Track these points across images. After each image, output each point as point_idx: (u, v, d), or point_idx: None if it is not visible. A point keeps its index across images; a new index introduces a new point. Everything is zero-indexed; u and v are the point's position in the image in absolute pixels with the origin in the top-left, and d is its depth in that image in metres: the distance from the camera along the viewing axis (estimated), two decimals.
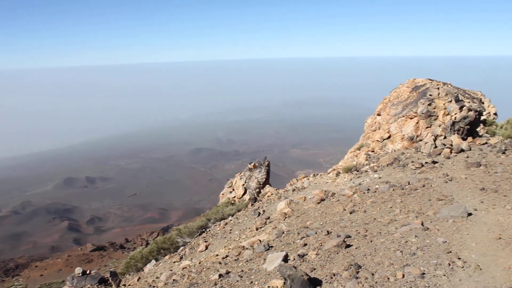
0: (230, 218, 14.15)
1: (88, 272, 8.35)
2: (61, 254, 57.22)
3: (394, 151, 14.44)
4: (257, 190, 16.44)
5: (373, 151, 15.43)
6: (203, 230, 14.14)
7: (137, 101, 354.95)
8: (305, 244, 7.73)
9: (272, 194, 15.02)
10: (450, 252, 6.33)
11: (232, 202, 16.49)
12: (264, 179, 16.73)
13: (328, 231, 8.19)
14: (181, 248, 13.43)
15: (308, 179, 15.34)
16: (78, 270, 8.26)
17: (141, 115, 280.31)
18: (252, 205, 14.98)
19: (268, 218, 11.67)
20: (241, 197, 16.65)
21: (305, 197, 12.14)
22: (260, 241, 9.02)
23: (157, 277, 9.90)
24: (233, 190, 17.40)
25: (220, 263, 8.03)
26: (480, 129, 15.53)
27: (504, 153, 12.90)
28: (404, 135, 14.92)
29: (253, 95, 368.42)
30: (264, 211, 13.28)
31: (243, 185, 16.90)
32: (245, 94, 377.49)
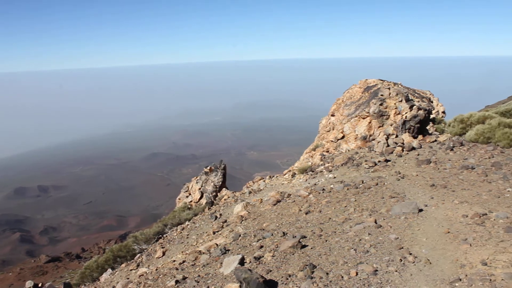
0: (187, 222, 14.02)
1: (40, 285, 8.08)
2: (12, 267, 54.85)
3: (348, 150, 14.68)
4: (214, 193, 16.38)
5: (327, 152, 15.64)
6: (160, 236, 13.96)
7: (89, 107, 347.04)
8: (261, 246, 7.75)
9: (228, 197, 15.01)
10: (402, 248, 6.49)
11: (189, 206, 16.34)
12: (221, 182, 16.68)
13: (284, 232, 8.23)
14: (138, 255, 13.21)
15: (264, 181, 15.39)
16: (29, 284, 7.99)
17: (95, 121, 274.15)
18: (209, 209, 14.91)
19: (225, 221, 11.64)
20: (198, 201, 16.53)
21: (261, 199, 12.18)
22: (217, 245, 8.99)
23: (113, 286, 9.71)
24: (190, 194, 17.24)
25: (177, 269, 7.94)
26: (430, 127, 16.00)
27: (452, 150, 13.34)
28: (357, 135, 15.20)
29: (207, 98, 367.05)
30: (221, 214, 13.24)
31: (200, 189, 16.78)
32: (199, 97, 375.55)
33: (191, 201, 16.78)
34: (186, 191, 17.64)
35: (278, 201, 11.17)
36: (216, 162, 18.04)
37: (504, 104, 28.25)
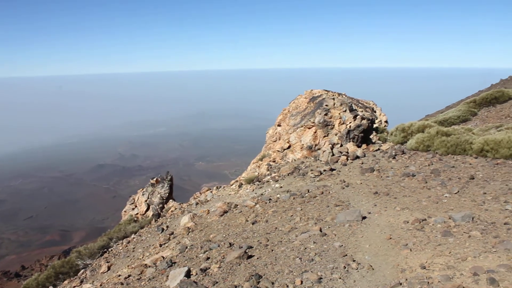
0: (133, 236, 13.74)
1: None
2: None
3: (294, 160, 14.86)
4: (161, 205, 16.16)
5: (274, 161, 15.77)
6: (105, 250, 13.60)
7: (31, 117, 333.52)
8: (208, 258, 7.69)
9: (175, 209, 14.85)
10: (346, 255, 6.62)
11: (135, 219, 16.04)
12: (168, 194, 16.49)
13: (230, 243, 8.21)
14: (82, 271, 12.80)
15: (211, 192, 15.33)
16: None
17: (37, 132, 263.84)
18: (155, 221, 14.68)
19: (172, 233, 11.49)
20: (144, 214, 16.25)
21: (208, 210, 12.11)
22: (163, 257, 8.86)
23: None
24: (136, 206, 16.93)
25: (122, 283, 7.76)
26: (373, 136, 16.44)
27: (394, 158, 13.77)
28: (303, 144, 15.42)
29: (154, 108, 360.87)
30: (167, 226, 13.06)
31: (146, 201, 16.51)
32: (145, 107, 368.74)
33: (137, 214, 16.48)
34: (132, 204, 17.31)
35: (225, 212, 11.14)
36: (162, 174, 17.82)
37: (442, 114, 29.47)
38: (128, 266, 10.41)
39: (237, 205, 11.52)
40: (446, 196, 9.34)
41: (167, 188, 16.62)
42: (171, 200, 16.49)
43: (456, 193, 9.52)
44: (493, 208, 8.13)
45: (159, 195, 16.41)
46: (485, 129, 19.04)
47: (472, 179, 10.58)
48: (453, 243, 6.53)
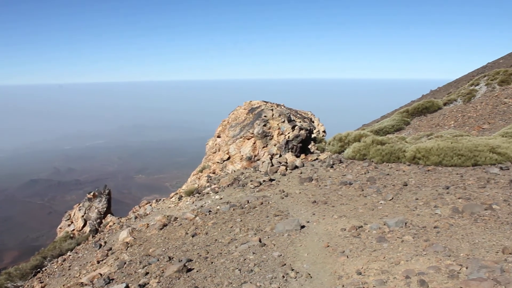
0: (69, 253, 13.23)
1: None
2: None
3: (234, 171, 14.88)
4: (98, 220, 15.70)
5: (214, 173, 15.72)
6: (38, 270, 13.00)
7: None
8: (147, 273, 7.53)
9: (114, 223, 14.46)
10: (285, 264, 6.67)
11: (71, 235, 15.47)
12: (105, 209, 16.04)
13: (170, 257, 8.09)
14: None
15: (151, 205, 15.06)
16: None
17: None
18: (93, 237, 14.22)
19: (110, 249, 11.17)
20: (81, 230, 15.71)
21: (147, 224, 11.88)
22: (100, 274, 8.59)
23: None
24: (72, 222, 16.34)
25: None
26: (311, 146, 16.73)
27: (332, 167, 14.07)
28: (242, 155, 15.47)
29: (89, 120, 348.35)
30: (105, 242, 12.69)
31: (83, 216, 15.99)
32: (81, 119, 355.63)
33: (73, 230, 15.91)
34: (68, 220, 16.71)
35: (165, 225, 10.97)
36: (100, 187, 17.34)
37: (378, 123, 30.47)
38: (63, 285, 10.03)
39: (177, 218, 11.38)
40: (381, 203, 9.64)
41: (105, 202, 16.18)
42: (109, 215, 16.04)
43: (390, 199, 9.84)
44: (424, 213, 8.46)
45: (96, 210, 15.94)
46: (417, 137, 19.83)
47: (406, 186, 10.98)
48: (387, 248, 6.73)
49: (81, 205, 16.74)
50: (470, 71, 45.97)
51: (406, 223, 7.80)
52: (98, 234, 14.53)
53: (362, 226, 8.04)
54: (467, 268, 5.34)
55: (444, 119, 26.44)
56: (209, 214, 10.84)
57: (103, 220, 15.78)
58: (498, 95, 27.12)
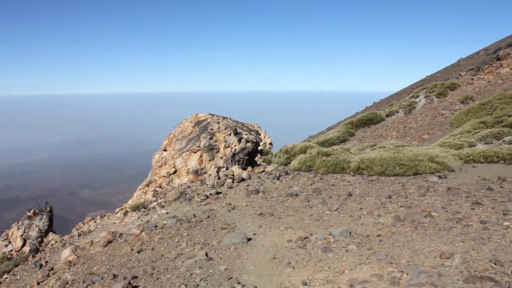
0: (5, 276, 12.61)
1: None
2: None
3: (181, 185, 14.73)
4: (39, 239, 15.07)
5: (160, 187, 15.50)
6: None
7: None
8: None
9: (56, 242, 13.93)
10: (231, 278, 6.64)
11: (9, 256, 14.75)
12: (47, 227, 15.42)
13: (114, 275, 7.88)
14: None
15: (95, 221, 14.64)
16: None
17: None
18: (33, 257, 13.63)
19: (52, 269, 10.74)
20: (19, 250, 15.02)
21: (92, 241, 11.53)
22: None
23: None
24: (10, 242, 15.61)
25: None
26: (258, 159, 16.82)
27: (278, 179, 14.19)
28: (189, 169, 15.35)
29: (30, 133, 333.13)
30: (47, 262, 12.20)
31: (22, 235, 15.30)
32: (23, 133, 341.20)
33: (11, 250, 15.18)
34: (6, 239, 15.93)
35: (110, 242, 10.69)
36: (41, 204, 16.69)
37: (324, 135, 31.05)
38: None
39: (122, 234, 11.11)
40: (326, 214, 9.79)
41: (46, 220, 15.56)
42: (51, 233, 15.43)
43: (335, 210, 10.01)
44: (368, 222, 8.65)
45: (37, 228, 15.31)
46: (361, 148, 20.34)
47: (350, 196, 11.21)
48: (332, 258, 6.83)
49: (20, 223, 16.02)
50: (411, 83, 47.74)
51: (350, 233, 7.95)
52: (38, 253, 13.94)
53: (308, 237, 8.12)
54: (407, 274, 5.49)
55: (387, 130, 27.26)
56: (155, 229, 10.66)
57: (44, 239, 15.17)
58: (436, 106, 28.26)
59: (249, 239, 8.46)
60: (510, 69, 30.18)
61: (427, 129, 24.72)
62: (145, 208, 13.42)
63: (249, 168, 15.76)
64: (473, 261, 5.77)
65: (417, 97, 31.72)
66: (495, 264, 5.51)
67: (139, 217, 12.79)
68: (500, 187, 10.56)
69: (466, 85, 30.86)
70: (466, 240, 6.77)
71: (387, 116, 30.27)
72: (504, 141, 17.45)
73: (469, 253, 6.13)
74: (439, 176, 12.55)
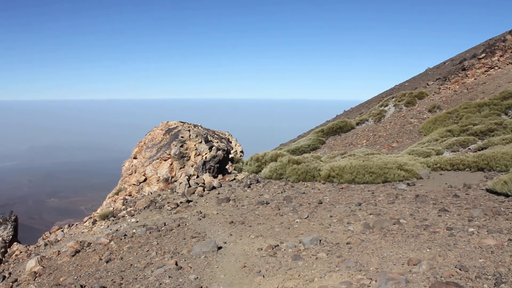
0: None
1: None
2: None
3: (151, 193, 14.59)
4: (3, 250, 14.67)
5: (130, 195, 15.31)
6: None
7: None
8: None
9: (21, 252, 13.57)
10: (201, 287, 6.59)
11: None
12: (11, 237, 15.02)
13: (82, 285, 7.73)
14: None
15: (62, 230, 14.34)
16: None
17: None
18: None
19: (16, 281, 10.45)
20: None
21: (59, 251, 11.29)
22: None
23: None
24: None
25: None
26: (229, 167, 16.80)
27: (249, 187, 14.20)
28: (159, 177, 15.22)
29: None
30: (10, 273, 11.85)
31: None
32: None
33: None
34: None
35: (77, 252, 10.49)
36: (6, 214, 16.27)
37: (295, 143, 31.22)
38: None
39: (90, 244, 10.92)
40: (297, 221, 9.83)
41: (11, 229, 15.17)
42: (15, 243, 15.03)
43: (306, 218, 10.06)
44: (338, 230, 8.73)
45: (0, 239, 14.91)
46: (332, 156, 20.54)
47: (321, 204, 11.30)
48: (302, 266, 6.86)
49: None
50: (380, 92, 48.53)
51: (320, 241, 8.00)
52: (1, 265, 13.55)
53: (278, 245, 8.14)
54: (376, 281, 5.54)
55: (357, 138, 27.61)
56: (125, 238, 10.51)
57: (8, 250, 14.77)
58: (405, 115, 28.77)
59: (220, 248, 8.42)
60: (475, 79, 31.02)
61: (396, 137, 25.15)
62: (115, 217, 13.24)
63: (220, 176, 15.73)
64: (439, 267, 5.87)
65: (387, 105, 32.27)
66: (460, 269, 5.62)
67: (108, 226, 12.59)
68: (466, 194, 10.81)
69: (433, 94, 31.57)
70: (433, 246, 6.89)
71: (357, 124, 30.68)
72: (469, 149, 17.88)
73: (436, 259, 6.24)
74: (408, 184, 12.77)
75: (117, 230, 11.76)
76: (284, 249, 7.83)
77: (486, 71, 31.63)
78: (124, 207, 14.01)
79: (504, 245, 6.47)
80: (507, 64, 31.20)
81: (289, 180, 14.83)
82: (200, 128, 17.87)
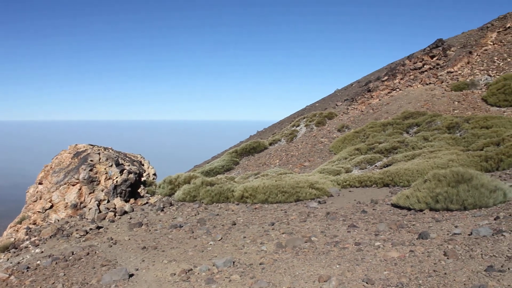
0: None
1: None
2: None
3: (58, 220, 13.86)
4: None
5: (35, 224, 14.44)
6: None
7: None
8: None
9: None
10: None
11: None
12: None
13: None
14: None
15: None
16: None
17: None
18: None
19: None
20: None
21: None
22: None
23: None
24: None
25: None
26: (141, 190, 16.40)
27: (162, 210, 13.94)
28: (67, 203, 14.52)
29: None
30: None
31: None
32: None
33: None
34: None
35: None
36: None
37: (209, 164, 31.17)
38: None
39: None
40: (211, 244, 9.75)
41: None
42: None
43: (220, 240, 10.01)
44: (251, 251, 8.75)
45: None
46: (246, 177, 20.70)
47: (234, 225, 11.31)
48: None
49: None
50: (292, 113, 49.88)
51: (234, 262, 7.97)
52: None
53: (191, 269, 8.00)
54: None
55: (270, 158, 28.06)
56: (27, 271, 9.85)
57: None
58: (315, 135, 29.74)
59: (131, 275, 8.13)
60: (379, 100, 32.83)
61: (308, 156, 25.87)
62: (16, 248, 12.40)
63: (132, 200, 15.30)
64: (348, 282, 6.05)
65: (298, 125, 33.20)
66: (367, 283, 5.83)
67: (8, 259, 11.75)
68: (373, 209, 11.32)
69: (342, 115, 32.98)
70: (342, 262, 7.10)
71: (270, 144, 31.24)
72: (376, 166, 18.78)
73: (345, 274, 6.43)
74: (319, 202, 13.14)
75: (18, 262, 10.99)
76: (198, 273, 7.71)
77: (389, 92, 33.68)
78: (27, 237, 13.18)
79: (406, 257, 6.82)
80: (407, 86, 33.42)
81: (202, 202, 14.73)
82: (110, 151, 17.33)
